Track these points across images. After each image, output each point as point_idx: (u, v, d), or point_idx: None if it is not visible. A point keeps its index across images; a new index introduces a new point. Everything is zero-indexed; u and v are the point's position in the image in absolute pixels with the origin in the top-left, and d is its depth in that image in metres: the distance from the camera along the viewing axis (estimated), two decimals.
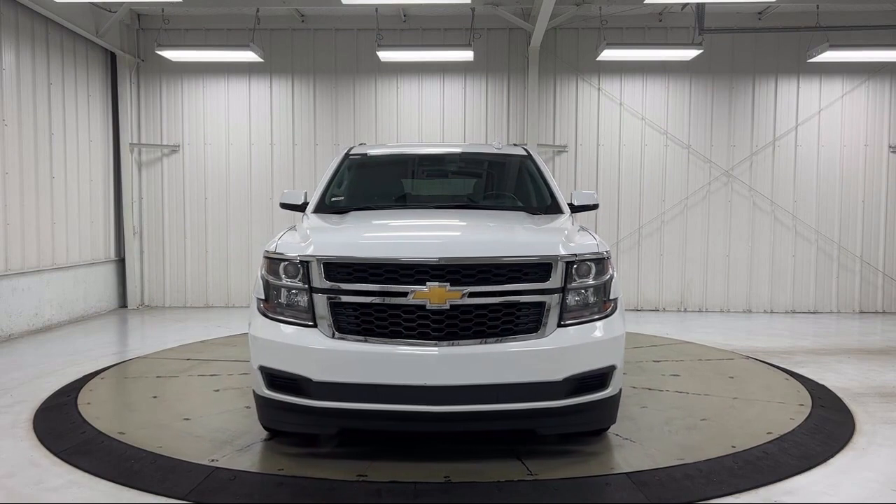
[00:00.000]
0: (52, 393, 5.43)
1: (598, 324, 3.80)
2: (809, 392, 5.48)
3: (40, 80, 8.58)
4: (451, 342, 3.59)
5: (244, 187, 10.47)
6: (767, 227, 10.31)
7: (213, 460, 3.92)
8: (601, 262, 3.88)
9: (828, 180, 10.29)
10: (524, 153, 5.69)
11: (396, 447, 4.16)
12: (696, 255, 10.36)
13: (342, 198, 5.19)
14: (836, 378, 6.07)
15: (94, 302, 9.71)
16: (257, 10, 9.53)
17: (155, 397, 5.19)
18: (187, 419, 4.65)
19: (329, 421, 3.74)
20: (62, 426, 4.62)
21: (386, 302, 3.63)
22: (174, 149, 10.47)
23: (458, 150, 6.01)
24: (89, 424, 4.58)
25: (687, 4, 9.59)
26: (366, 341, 3.64)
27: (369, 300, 3.64)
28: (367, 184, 5.58)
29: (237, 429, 4.48)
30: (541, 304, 3.69)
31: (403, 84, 10.38)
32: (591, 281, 3.82)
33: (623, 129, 10.33)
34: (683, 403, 5.18)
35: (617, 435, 4.40)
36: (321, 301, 3.69)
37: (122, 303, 10.46)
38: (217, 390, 5.39)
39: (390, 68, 10.25)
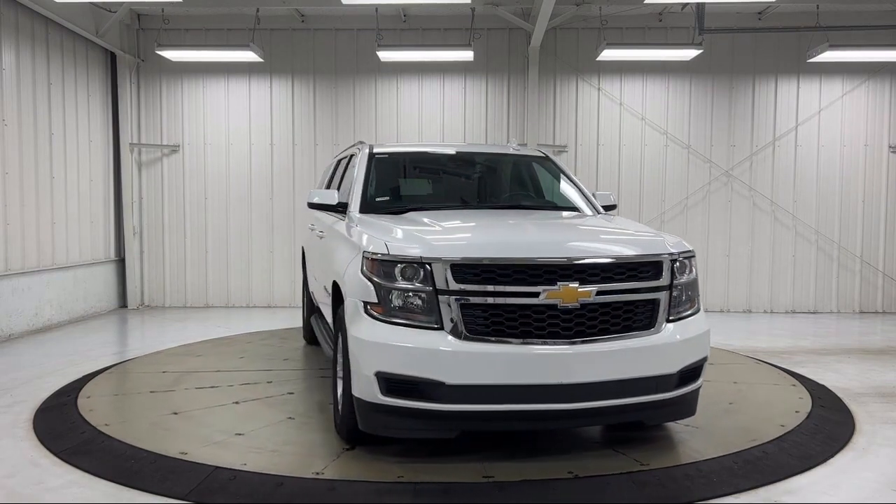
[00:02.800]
0: (51, 393, 5.43)
1: (694, 318, 4.05)
2: (809, 392, 5.48)
3: (40, 80, 8.58)
4: (582, 340, 3.64)
5: (244, 187, 10.47)
6: (767, 226, 10.31)
7: (317, 473, 3.73)
8: (692, 259, 4.12)
9: (828, 180, 10.29)
10: (542, 154, 5.85)
11: (501, 444, 4.17)
12: (696, 255, 10.34)
13: (387, 198, 5.15)
14: (836, 378, 6.07)
15: (94, 302, 9.71)
16: (257, 10, 9.53)
17: (176, 413, 4.80)
18: (240, 434, 4.36)
19: (457, 424, 3.68)
20: (62, 426, 4.61)
21: (517, 302, 3.60)
22: (174, 149, 10.47)
23: (482, 150, 6.04)
24: (90, 424, 4.57)
25: (687, 4, 9.59)
26: (498, 342, 3.58)
27: (500, 301, 3.61)
28: (406, 184, 5.59)
29: (304, 440, 4.29)
30: (654, 301, 3.84)
31: (403, 84, 10.37)
32: (686, 278, 4.03)
33: (623, 129, 10.32)
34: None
35: (675, 423, 4.48)
36: (449, 303, 3.60)
37: (122, 303, 10.46)
38: (237, 402, 5.07)
39: (390, 68, 10.25)
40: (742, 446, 4.17)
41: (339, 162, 6.52)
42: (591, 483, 3.66)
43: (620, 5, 9.47)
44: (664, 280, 3.87)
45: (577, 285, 3.62)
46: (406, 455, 3.98)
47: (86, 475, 3.79)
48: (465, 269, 3.63)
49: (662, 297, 3.85)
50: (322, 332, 5.76)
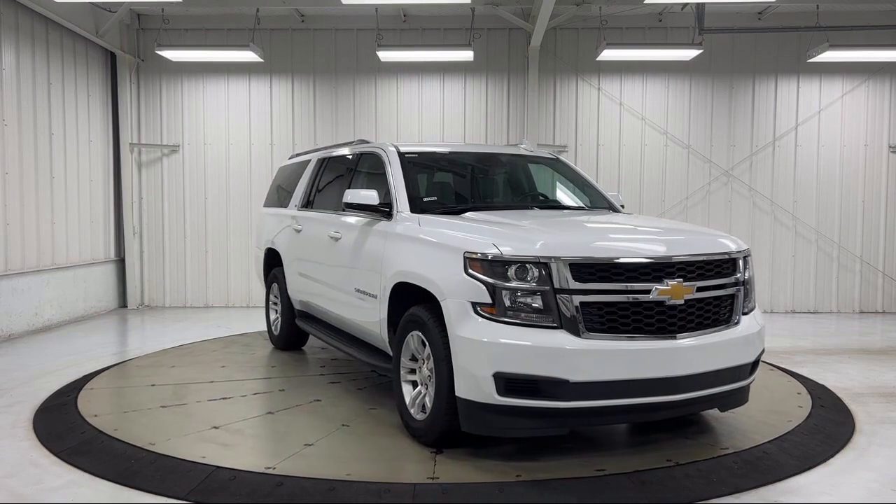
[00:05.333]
0: (51, 393, 5.43)
1: (756, 311, 4.36)
2: (809, 392, 5.48)
3: (40, 80, 8.58)
4: (686, 335, 3.82)
5: (244, 187, 10.47)
6: (767, 227, 10.31)
7: (431, 477, 3.69)
8: (750, 256, 4.35)
9: (828, 180, 10.29)
10: (552, 155, 6.04)
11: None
12: None
13: (434, 198, 5.14)
14: (837, 378, 6.07)
15: (94, 302, 9.71)
16: (257, 10, 9.53)
17: (216, 427, 4.52)
18: (309, 444, 4.20)
19: (574, 420, 3.79)
20: (62, 426, 4.61)
21: (631, 300, 3.73)
22: (174, 149, 10.47)
23: (503, 151, 6.04)
24: (89, 425, 4.56)
25: (687, 4, 9.59)
26: (616, 339, 3.69)
27: (616, 298, 3.71)
28: (445, 184, 5.61)
29: (378, 446, 4.20)
30: (735, 296, 4.11)
31: (403, 84, 10.37)
32: (750, 274, 4.29)
33: (623, 129, 10.32)
34: None
35: (706, 413, 4.68)
36: (568, 301, 3.66)
37: (122, 303, 10.46)
38: (270, 413, 4.87)
39: (390, 68, 10.25)
40: (742, 446, 4.18)
41: (323, 161, 6.39)
42: (589, 482, 3.67)
43: (620, 5, 9.47)
44: (741, 276, 4.15)
45: (682, 282, 3.81)
46: (508, 455, 4.01)
47: (86, 475, 3.79)
48: (585, 268, 3.71)
49: (740, 292, 4.12)
50: (335, 336, 5.67)
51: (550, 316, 3.66)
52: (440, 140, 10.26)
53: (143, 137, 10.47)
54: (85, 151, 9.56)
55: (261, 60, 9.71)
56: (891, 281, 10.32)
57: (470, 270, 3.80)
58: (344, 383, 5.68)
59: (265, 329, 7.56)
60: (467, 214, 4.65)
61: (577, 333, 3.64)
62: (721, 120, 10.30)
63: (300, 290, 6.36)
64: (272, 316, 7.18)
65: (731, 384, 4.04)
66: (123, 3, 9.10)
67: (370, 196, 4.83)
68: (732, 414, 4.70)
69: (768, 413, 4.89)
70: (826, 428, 4.63)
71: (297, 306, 6.57)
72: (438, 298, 3.95)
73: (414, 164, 5.26)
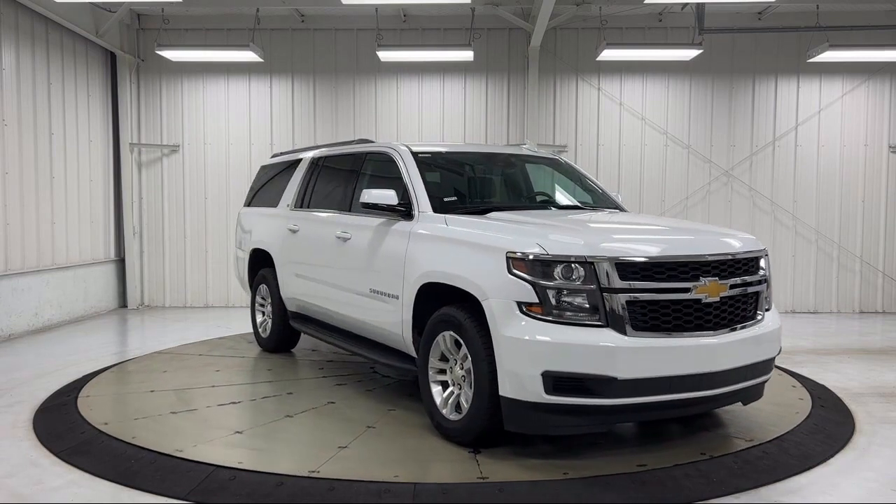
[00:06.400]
0: (51, 393, 5.42)
1: (774, 308, 4.51)
2: (809, 392, 5.48)
3: (40, 80, 8.58)
4: (723, 331, 3.94)
5: (244, 187, 10.41)
6: (767, 227, 10.31)
7: (482, 477, 3.68)
8: (768, 255, 4.47)
9: (828, 180, 10.29)
10: (556, 156, 6.12)
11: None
12: None
13: (453, 198, 5.13)
14: (837, 378, 6.07)
15: (94, 302, 9.71)
16: (257, 10, 9.53)
17: (240, 432, 4.43)
18: (343, 447, 4.15)
19: (619, 417, 3.88)
20: (62, 426, 4.61)
21: (671, 298, 3.82)
22: (174, 149, 10.47)
23: (511, 151, 6.06)
24: (90, 425, 4.55)
25: (687, 4, 9.59)
26: (660, 337, 3.76)
27: (659, 297, 3.79)
28: (459, 185, 5.62)
29: (409, 447, 4.18)
30: (759, 293, 4.25)
31: (403, 84, 10.37)
32: (768, 272, 4.38)
33: (623, 129, 10.32)
34: None
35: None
36: (615, 300, 3.71)
37: (122, 303, 10.46)
38: (289, 416, 4.78)
39: (390, 68, 10.25)
40: (741, 446, 4.18)
41: (319, 161, 6.33)
42: (591, 482, 3.67)
43: (620, 5, 9.48)
44: (764, 274, 4.29)
45: (717, 280, 3.92)
46: (547, 453, 4.05)
47: (86, 475, 3.80)
48: (630, 268, 3.77)
49: (763, 289, 4.26)
50: (338, 338, 5.63)
51: (597, 314, 3.71)
52: (440, 140, 10.26)
53: (143, 137, 10.47)
54: (85, 151, 9.56)
55: (261, 60, 9.71)
56: (891, 281, 10.32)
57: (514, 270, 3.81)
58: (351, 385, 5.64)
59: (250, 331, 7.43)
60: (492, 214, 4.64)
61: (623, 331, 3.69)
62: (721, 120, 10.30)
63: (297, 291, 6.24)
64: (259, 318, 7.07)
65: (758, 378, 4.17)
66: (123, 3, 9.10)
67: (388, 196, 4.77)
68: (743, 409, 4.71)
69: (768, 413, 4.89)
70: (826, 428, 4.63)
71: (292, 308, 6.46)
72: (479, 298, 3.94)
73: (427, 165, 5.24)
